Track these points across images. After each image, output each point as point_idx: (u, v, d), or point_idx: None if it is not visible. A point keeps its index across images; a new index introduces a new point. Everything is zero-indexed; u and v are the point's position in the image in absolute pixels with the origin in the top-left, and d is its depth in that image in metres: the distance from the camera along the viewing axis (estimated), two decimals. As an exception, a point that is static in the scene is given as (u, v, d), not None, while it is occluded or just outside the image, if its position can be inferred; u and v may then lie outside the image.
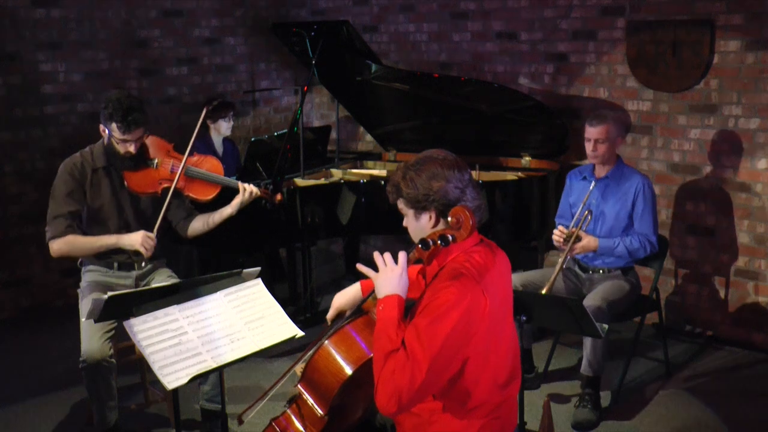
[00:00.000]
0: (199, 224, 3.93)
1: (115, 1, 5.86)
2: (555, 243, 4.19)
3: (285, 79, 6.92)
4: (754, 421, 4.03)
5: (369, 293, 2.57)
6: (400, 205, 2.46)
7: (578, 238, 4.11)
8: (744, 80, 4.68)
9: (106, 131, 3.65)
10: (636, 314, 4.33)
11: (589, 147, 4.21)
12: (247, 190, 3.89)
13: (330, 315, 2.78)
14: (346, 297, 2.78)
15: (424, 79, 5.44)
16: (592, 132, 4.18)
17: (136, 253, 3.72)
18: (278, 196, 4.14)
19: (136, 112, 3.57)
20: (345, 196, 5.06)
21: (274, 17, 6.65)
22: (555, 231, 4.18)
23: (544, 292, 3.89)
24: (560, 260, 4.07)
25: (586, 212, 4.16)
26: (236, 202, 3.87)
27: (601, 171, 4.28)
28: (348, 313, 2.69)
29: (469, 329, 2.28)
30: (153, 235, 3.66)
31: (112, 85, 5.81)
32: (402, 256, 2.39)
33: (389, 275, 2.37)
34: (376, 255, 2.41)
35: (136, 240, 3.63)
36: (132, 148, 3.64)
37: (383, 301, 2.36)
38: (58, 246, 3.65)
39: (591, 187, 4.19)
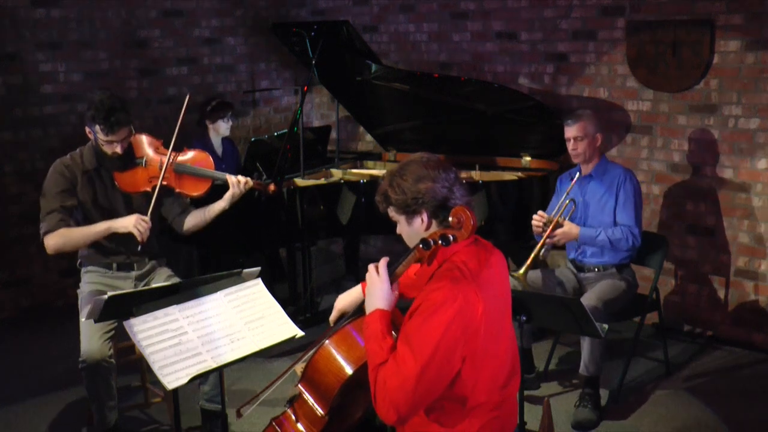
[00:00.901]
0: (194, 219, 3.89)
1: (115, 1, 5.85)
2: (534, 229, 4.21)
3: (285, 79, 6.92)
4: (754, 421, 4.03)
5: None
6: (391, 212, 2.45)
7: (559, 225, 4.14)
8: (744, 80, 4.68)
9: (92, 133, 3.63)
10: (636, 314, 4.34)
11: (569, 146, 4.29)
12: (238, 181, 3.80)
13: (332, 317, 2.79)
14: (348, 299, 2.79)
15: (424, 79, 5.44)
16: (569, 131, 4.27)
17: (134, 251, 3.71)
18: (271, 186, 4.02)
19: (118, 113, 3.53)
20: (345, 196, 5.05)
21: (274, 17, 6.65)
22: (534, 216, 4.21)
23: (521, 272, 3.95)
24: (539, 244, 4.10)
25: (568, 201, 4.21)
26: (228, 195, 3.81)
27: (586, 169, 4.34)
28: (348, 315, 2.70)
29: (464, 330, 2.26)
30: (147, 218, 3.59)
31: (113, 85, 5.81)
32: (382, 265, 2.39)
33: (370, 290, 2.40)
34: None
35: (129, 222, 3.56)
36: (118, 149, 3.61)
37: (366, 321, 2.38)
38: (53, 241, 3.59)
39: (575, 179, 4.28)
